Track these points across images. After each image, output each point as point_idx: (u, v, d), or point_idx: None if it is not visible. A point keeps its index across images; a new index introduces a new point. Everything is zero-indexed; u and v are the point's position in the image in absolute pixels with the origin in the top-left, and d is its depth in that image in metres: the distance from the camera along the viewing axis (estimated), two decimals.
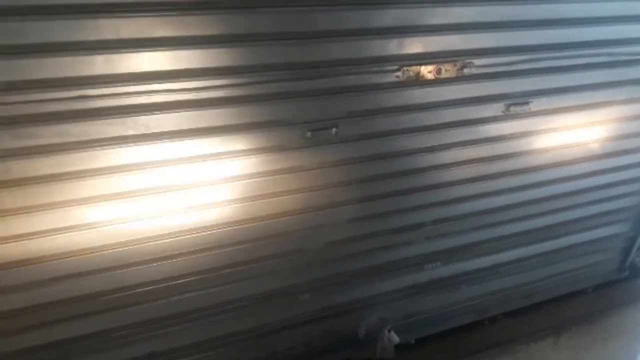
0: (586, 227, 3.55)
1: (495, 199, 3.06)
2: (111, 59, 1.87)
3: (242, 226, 2.47)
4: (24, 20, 1.72)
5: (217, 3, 1.93)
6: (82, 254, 2.23)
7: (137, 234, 2.29)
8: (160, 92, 2.00)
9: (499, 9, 2.40)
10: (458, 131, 2.68)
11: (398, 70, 2.36)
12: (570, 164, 3.15)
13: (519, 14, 2.46)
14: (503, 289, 3.53)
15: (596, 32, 2.70)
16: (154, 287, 2.46)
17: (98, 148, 2.02)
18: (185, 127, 2.12)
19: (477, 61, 2.49)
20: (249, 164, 2.33)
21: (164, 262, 2.41)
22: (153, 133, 2.08)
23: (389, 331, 3.07)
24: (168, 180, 2.22)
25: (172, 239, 2.37)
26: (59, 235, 2.14)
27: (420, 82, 2.43)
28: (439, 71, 2.43)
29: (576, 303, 3.74)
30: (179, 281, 2.50)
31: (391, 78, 2.37)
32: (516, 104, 2.72)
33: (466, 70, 2.47)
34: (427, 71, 2.41)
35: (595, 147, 3.17)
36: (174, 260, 2.43)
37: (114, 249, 2.28)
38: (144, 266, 2.38)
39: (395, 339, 3.06)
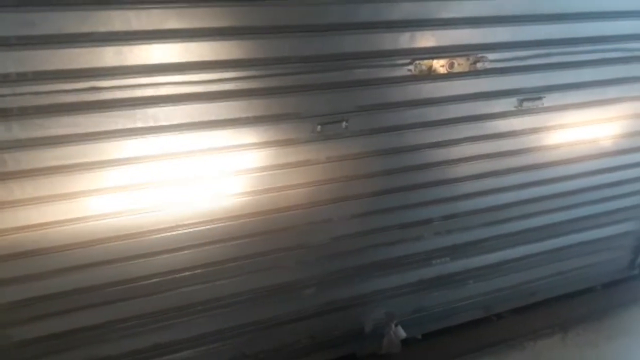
0: (596, 225, 3.52)
1: (504, 195, 3.04)
2: (121, 50, 1.87)
3: (249, 219, 2.47)
4: (35, 11, 1.71)
5: None
6: (89, 246, 2.23)
7: (144, 226, 2.29)
8: (170, 85, 2.00)
9: (513, 2, 2.37)
10: (469, 126, 2.66)
11: (410, 64, 2.34)
12: (582, 161, 3.12)
13: (533, 8, 2.43)
14: (511, 286, 3.51)
15: (611, 27, 2.67)
16: (160, 279, 2.46)
17: (107, 140, 2.02)
18: (194, 120, 2.11)
19: (491, 55, 2.46)
20: (257, 157, 2.32)
21: (171, 255, 2.41)
22: (162, 125, 2.07)
23: (396, 326, 3.06)
24: (176, 173, 2.21)
25: (179, 232, 2.37)
26: (67, 227, 2.14)
27: (432, 76, 2.41)
28: (451, 65, 2.40)
29: (585, 301, 3.72)
30: (185, 273, 2.50)
31: (403, 72, 2.35)
32: (529, 99, 2.69)
33: (479, 65, 2.45)
34: (439, 65, 2.38)
35: (607, 143, 3.13)
36: (181, 253, 2.43)
37: (121, 240, 2.28)
38: (151, 258, 2.38)
39: (402, 333, 3.06)
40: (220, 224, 2.42)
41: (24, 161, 1.94)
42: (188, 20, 1.90)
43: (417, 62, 2.34)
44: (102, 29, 1.80)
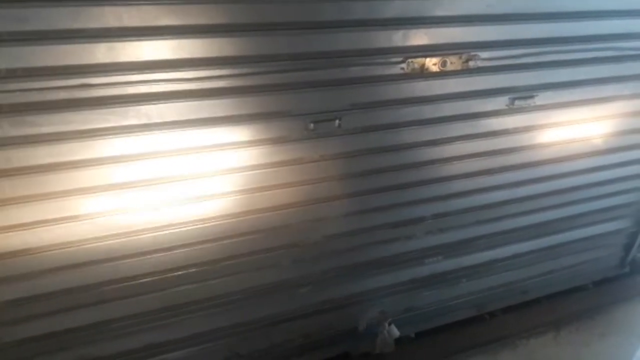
0: (588, 223, 3.54)
1: (497, 193, 3.05)
2: (114, 47, 1.85)
3: (242, 218, 2.46)
4: (26, 6, 1.70)
5: None
6: (81, 245, 2.21)
7: (136, 225, 2.27)
8: (162, 82, 1.99)
9: (506, 1, 2.37)
10: (462, 124, 2.67)
11: (403, 62, 2.34)
12: (573, 159, 3.14)
13: (526, 6, 2.44)
14: (504, 284, 3.53)
15: (603, 26, 2.68)
16: (153, 278, 2.44)
17: (99, 137, 2.01)
18: (186, 118, 2.10)
19: (483, 54, 2.47)
20: (250, 155, 2.31)
21: (164, 254, 2.40)
22: (154, 123, 2.06)
23: (389, 325, 3.06)
24: (169, 171, 2.20)
25: (171, 230, 2.35)
26: (59, 225, 2.13)
27: (424, 74, 2.41)
28: (444, 63, 2.40)
29: (577, 299, 3.74)
30: (178, 273, 2.48)
31: (396, 70, 2.35)
32: (521, 97, 2.70)
33: (471, 63, 2.45)
34: (432, 63, 2.39)
35: (598, 142, 3.15)
36: (173, 252, 2.41)
37: (114, 239, 2.26)
38: (143, 257, 2.37)
39: (396, 332, 3.05)
40: (212, 223, 2.41)
41: (15, 159, 1.92)
42: (180, 17, 1.88)
43: (410, 60, 2.34)
44: (94, 25, 1.78)
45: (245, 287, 2.69)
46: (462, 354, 3.24)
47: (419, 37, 2.32)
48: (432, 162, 2.74)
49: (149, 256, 2.38)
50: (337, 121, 2.36)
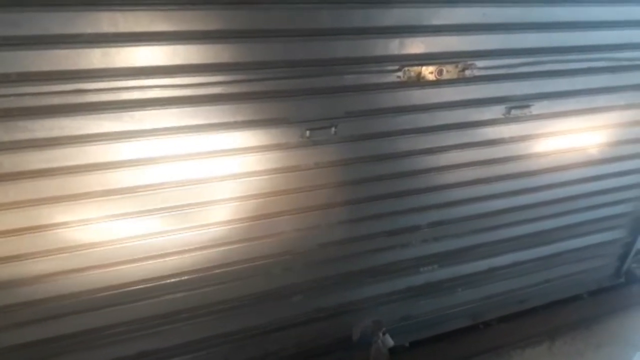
0: (583, 233, 3.54)
1: (492, 202, 3.05)
2: (109, 52, 1.85)
3: (235, 225, 2.45)
4: (20, 11, 1.69)
5: None
6: (73, 251, 2.20)
7: (128, 232, 2.26)
8: (157, 88, 1.98)
9: (502, 11, 2.39)
10: (458, 133, 2.67)
11: (399, 70, 2.34)
12: (569, 169, 3.14)
13: (522, 16, 2.45)
14: (499, 293, 3.52)
15: (599, 36, 2.70)
16: (145, 285, 2.43)
17: (93, 143, 2.00)
18: (181, 124, 2.10)
19: (479, 63, 2.47)
20: (245, 162, 2.30)
21: (157, 261, 2.39)
22: (149, 129, 2.05)
23: (384, 334, 3.04)
24: (162, 178, 2.19)
25: (164, 237, 2.34)
26: (52, 231, 2.12)
27: (421, 82, 2.41)
28: (440, 72, 2.40)
29: (572, 309, 3.73)
30: (170, 280, 2.47)
31: (392, 78, 2.35)
32: (517, 107, 2.70)
33: (468, 72, 2.45)
34: (428, 72, 2.39)
35: (594, 152, 3.16)
36: (167, 259, 2.40)
37: (106, 246, 2.25)
38: (135, 264, 2.35)
39: (390, 342, 3.03)
40: (205, 230, 2.41)
41: (8, 164, 1.91)
42: (176, 23, 1.88)
43: (406, 68, 2.35)
44: (89, 30, 1.78)
45: (238, 295, 2.67)
46: None
47: (416, 46, 2.32)
48: (428, 170, 2.73)
49: (141, 263, 2.36)
50: (333, 129, 2.35)
